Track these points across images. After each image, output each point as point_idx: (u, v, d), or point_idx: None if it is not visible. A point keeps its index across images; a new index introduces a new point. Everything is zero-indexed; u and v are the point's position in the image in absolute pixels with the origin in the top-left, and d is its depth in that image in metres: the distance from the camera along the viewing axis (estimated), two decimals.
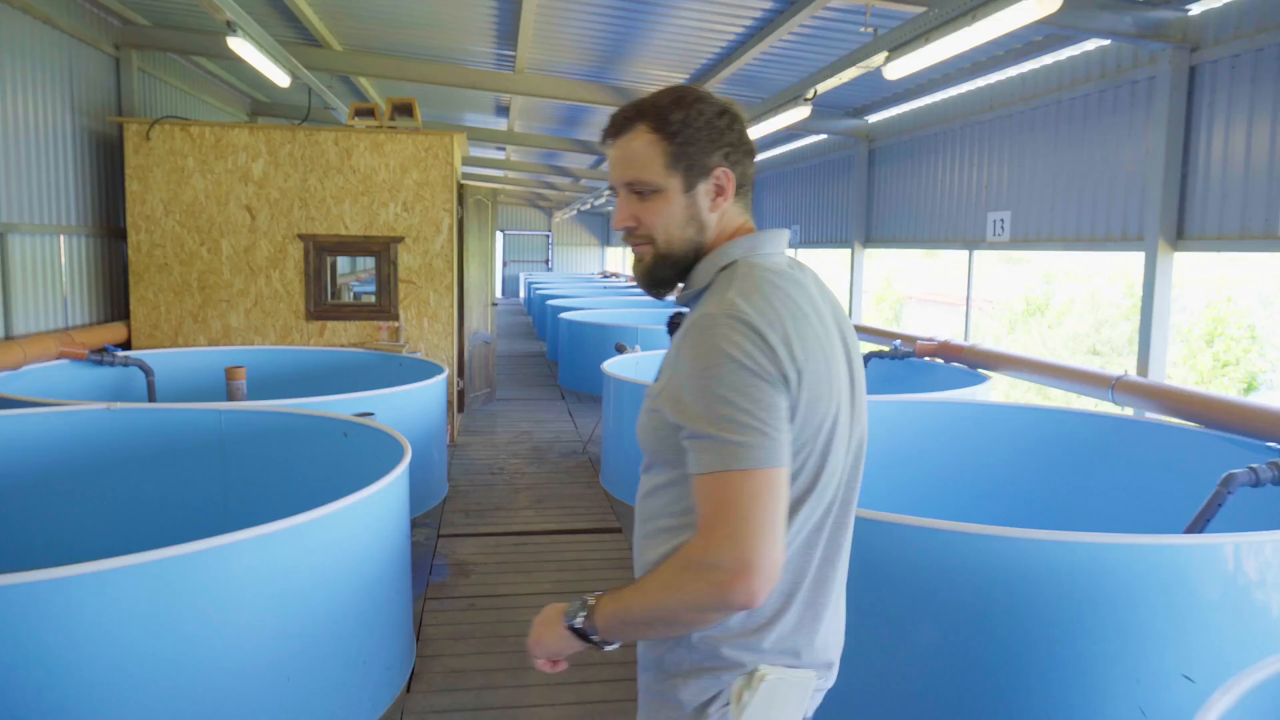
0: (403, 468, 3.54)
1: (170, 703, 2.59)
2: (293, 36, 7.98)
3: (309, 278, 7.42)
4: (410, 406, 5.54)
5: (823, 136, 10.42)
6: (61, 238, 6.76)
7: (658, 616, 1.31)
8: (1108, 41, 5.56)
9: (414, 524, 5.54)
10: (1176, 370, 15.81)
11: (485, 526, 5.50)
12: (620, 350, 7.29)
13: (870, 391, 7.19)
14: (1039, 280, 19.20)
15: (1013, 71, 6.65)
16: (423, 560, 4.91)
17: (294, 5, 6.95)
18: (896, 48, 4.24)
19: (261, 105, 11.86)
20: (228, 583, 2.76)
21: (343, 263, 8.01)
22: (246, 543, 2.79)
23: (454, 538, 5.30)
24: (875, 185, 9.17)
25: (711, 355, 1.26)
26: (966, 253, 7.66)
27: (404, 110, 7.70)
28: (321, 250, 7.43)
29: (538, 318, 17.93)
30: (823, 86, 5.39)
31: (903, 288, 29.26)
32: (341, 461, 4.52)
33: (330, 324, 7.54)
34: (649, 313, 12.13)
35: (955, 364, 6.66)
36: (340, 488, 4.53)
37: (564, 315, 11.53)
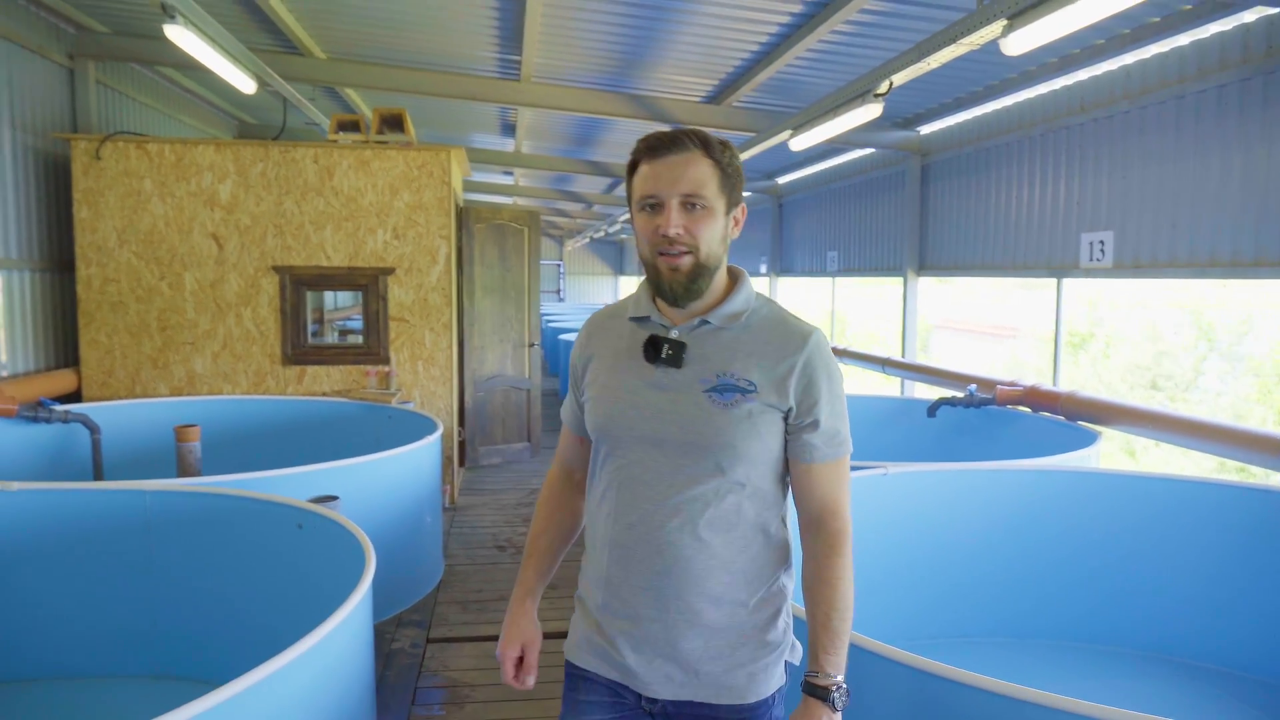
0: (358, 597, 2.50)
1: None
2: (270, 44, 7.05)
3: (285, 316, 6.42)
4: (392, 477, 4.50)
5: (865, 152, 9.42)
6: None
7: (852, 610, 1.63)
8: (1253, 18, 4.53)
9: (399, 622, 4.49)
10: (1252, 409, 14.52)
11: (487, 625, 4.44)
12: None
13: (942, 447, 6.10)
14: (1083, 307, 17.99)
15: (1113, 64, 5.62)
16: (406, 680, 3.85)
17: (269, 9, 6.02)
18: (1020, 13, 3.23)
19: (249, 128, 10.97)
20: None
21: (341, 295, 6.99)
22: None
23: (447, 644, 4.24)
24: (930, 205, 8.14)
25: (835, 366, 1.66)
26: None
27: (393, 123, 6.74)
28: (299, 284, 6.44)
29: (549, 352, 16.92)
30: (901, 77, 4.39)
31: (928, 315, 28.15)
32: (297, 559, 3.48)
33: (311, 369, 6.53)
34: None
35: (1046, 414, 5.59)
36: (294, 595, 3.52)
37: None
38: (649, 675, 1.65)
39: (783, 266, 12.49)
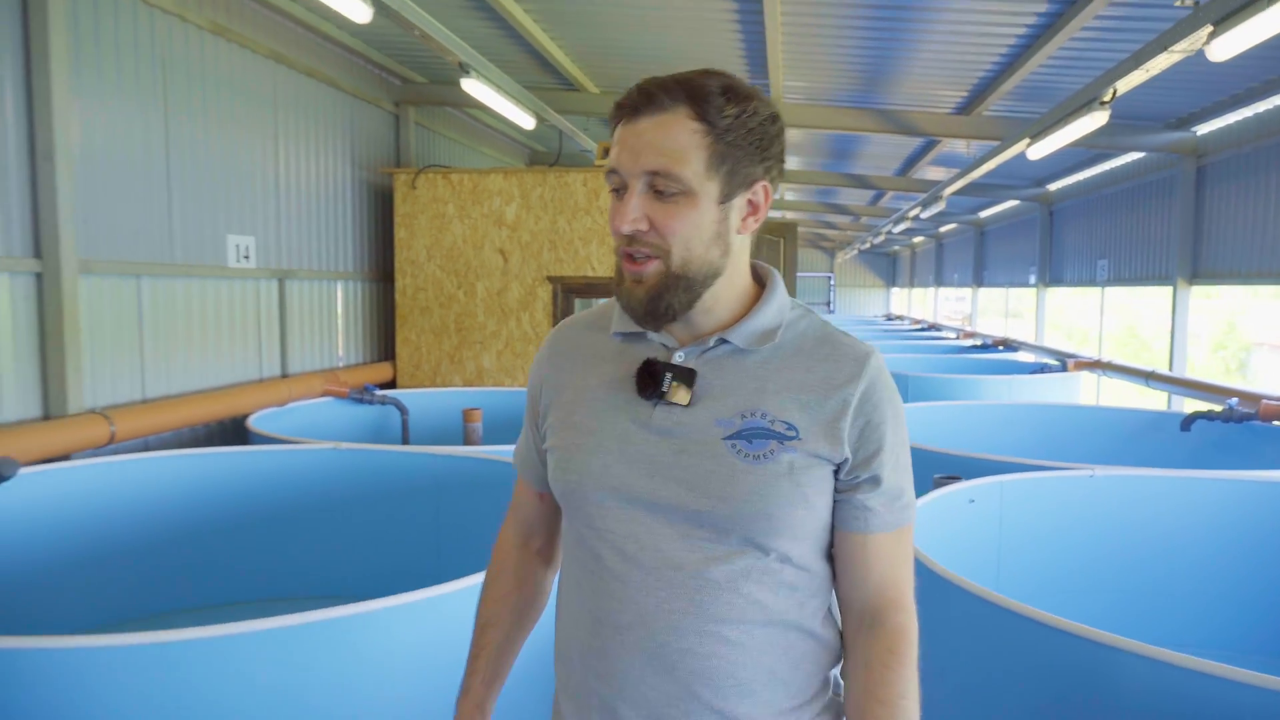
0: None
1: None
2: (550, 83, 8.08)
3: (556, 320, 7.36)
4: None
5: (1136, 156, 8.91)
6: (338, 283, 7.21)
7: None
8: None
9: None
10: None
11: None
12: None
13: (1196, 463, 5.84)
14: None
15: None
16: None
17: (545, 50, 6.98)
18: (1224, 18, 3.23)
19: (540, 156, 12.34)
20: (365, 654, 2.46)
21: None
22: (386, 611, 2.47)
23: None
24: (1206, 209, 7.60)
25: (899, 400, 1.23)
26: None
27: None
28: (569, 292, 7.35)
29: None
30: (1124, 84, 4.36)
31: (1249, 332, 24.92)
32: None
33: None
34: (925, 359, 11.02)
35: None
36: None
37: None
38: None
39: (1052, 277, 11.94)
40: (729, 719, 1.15)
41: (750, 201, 1.20)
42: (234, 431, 5.82)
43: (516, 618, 1.44)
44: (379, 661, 2.45)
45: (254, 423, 5.37)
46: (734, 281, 1.24)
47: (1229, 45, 3.31)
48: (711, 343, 1.22)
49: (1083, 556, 3.98)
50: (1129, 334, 19.03)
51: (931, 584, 2.73)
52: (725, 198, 1.17)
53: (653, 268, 1.18)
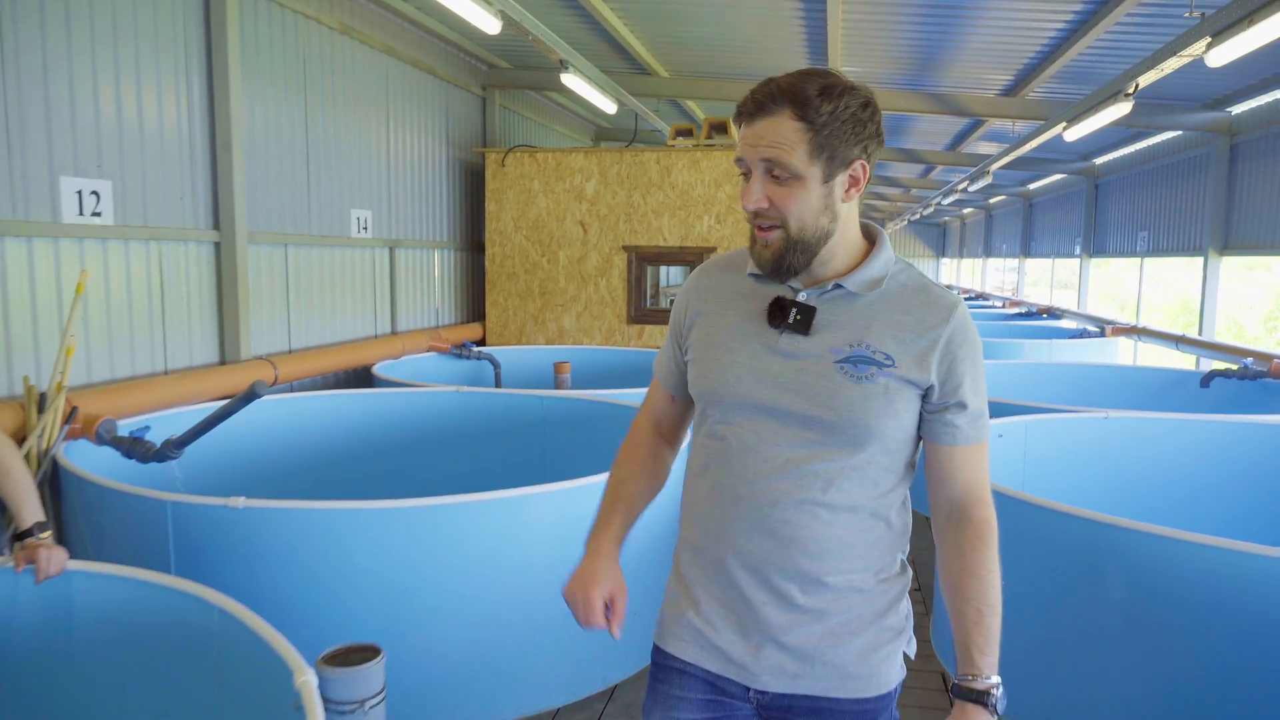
0: None
1: (471, 621, 3.14)
2: (625, 68, 8.80)
3: (631, 285, 8.14)
4: None
5: (1175, 134, 9.38)
6: (436, 252, 8.06)
7: (1001, 607, 1.51)
8: None
9: None
10: None
11: None
12: None
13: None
14: None
15: None
16: None
17: (625, 41, 7.70)
18: (1220, 31, 3.84)
19: (604, 131, 13.07)
20: (521, 528, 3.27)
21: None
22: (540, 496, 3.29)
23: None
24: (1238, 184, 8.10)
25: (978, 341, 1.51)
26: None
27: (720, 129, 8.18)
28: (642, 260, 8.12)
29: None
30: (1145, 79, 4.97)
31: None
32: None
33: (648, 327, 8.21)
34: (979, 324, 11.58)
35: None
36: None
37: None
38: (758, 666, 1.54)
39: (1096, 248, 12.42)
40: (810, 576, 1.49)
41: (851, 177, 1.45)
42: (356, 379, 6.71)
43: (649, 479, 1.73)
44: (542, 530, 3.28)
45: (379, 370, 6.24)
46: (845, 238, 1.50)
47: (1223, 54, 3.93)
48: (830, 287, 1.50)
49: (1098, 486, 4.66)
50: (1184, 306, 19.28)
51: None
52: (828, 178, 1.43)
53: (776, 235, 1.46)
